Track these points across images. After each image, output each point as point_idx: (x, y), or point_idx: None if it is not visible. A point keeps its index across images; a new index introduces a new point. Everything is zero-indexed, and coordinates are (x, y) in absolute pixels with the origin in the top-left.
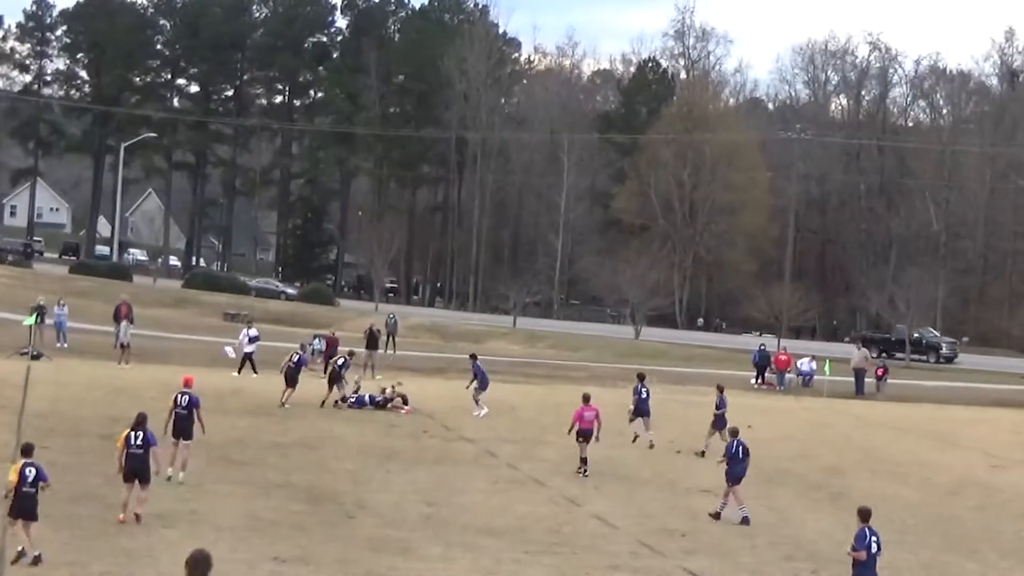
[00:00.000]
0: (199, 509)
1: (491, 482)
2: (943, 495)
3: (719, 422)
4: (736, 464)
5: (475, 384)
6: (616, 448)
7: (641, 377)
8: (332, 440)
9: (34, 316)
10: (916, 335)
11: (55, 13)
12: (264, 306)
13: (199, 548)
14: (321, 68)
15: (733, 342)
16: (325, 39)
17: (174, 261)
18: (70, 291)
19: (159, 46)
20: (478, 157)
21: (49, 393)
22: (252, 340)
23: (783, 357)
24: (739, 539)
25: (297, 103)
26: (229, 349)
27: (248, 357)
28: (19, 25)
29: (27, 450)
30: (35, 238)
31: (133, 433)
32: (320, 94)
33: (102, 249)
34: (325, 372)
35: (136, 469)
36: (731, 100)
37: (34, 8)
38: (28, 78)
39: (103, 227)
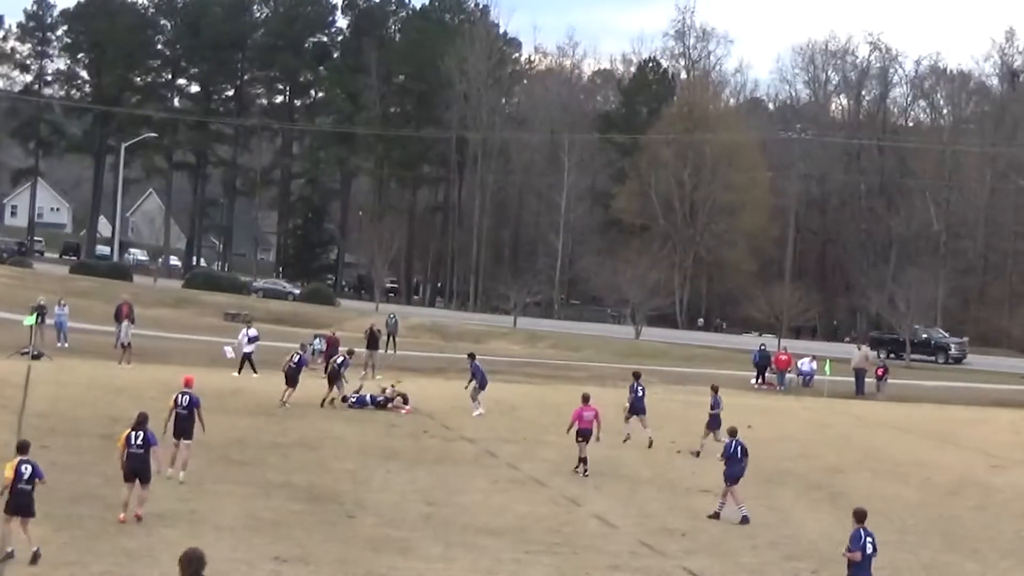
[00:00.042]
0: (199, 509)
1: (491, 482)
2: (943, 495)
3: (713, 422)
4: (734, 464)
5: (474, 384)
6: (616, 448)
7: (636, 375)
8: (332, 440)
9: (35, 316)
10: (925, 336)
11: (56, 13)
12: (265, 306)
13: (192, 547)
14: (322, 68)
15: (733, 342)
16: (326, 39)
17: (175, 261)
18: (70, 291)
19: (160, 46)
20: (478, 157)
21: (49, 393)
22: (251, 340)
23: (783, 357)
24: (739, 539)
25: (298, 103)
26: (228, 349)
27: (247, 357)
28: (20, 25)
29: (23, 447)
30: (36, 238)
31: (134, 433)
32: (321, 94)
33: (103, 249)
34: (326, 372)
35: (137, 469)
36: (731, 100)
37: (35, 8)
38: (29, 78)
39: (104, 227)
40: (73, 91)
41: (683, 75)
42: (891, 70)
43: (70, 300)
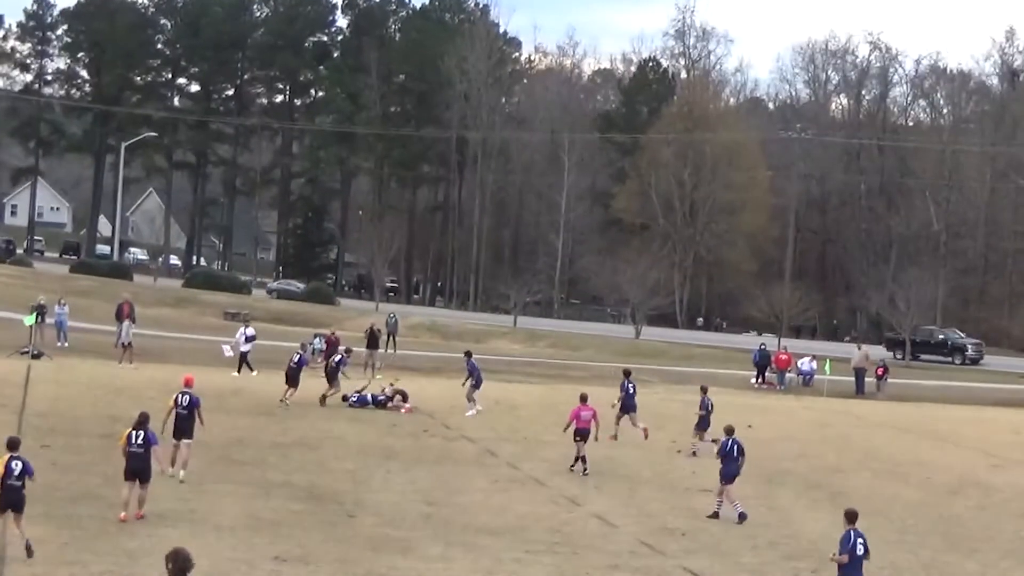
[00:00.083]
0: (200, 508)
1: (491, 482)
2: (943, 495)
3: (702, 423)
4: (730, 462)
5: (470, 382)
6: (616, 448)
7: (627, 373)
8: (332, 440)
9: (35, 315)
10: (941, 336)
11: (56, 12)
12: (265, 305)
13: (178, 546)
14: (322, 67)
15: (733, 342)
16: (326, 38)
17: (175, 260)
18: (71, 290)
19: (160, 45)
20: (478, 157)
21: (49, 392)
22: (249, 339)
23: (783, 357)
24: (739, 539)
25: (298, 102)
26: (227, 348)
27: (243, 356)
28: (20, 24)
29: (13, 444)
30: (36, 237)
31: (134, 432)
32: (321, 93)
33: (103, 248)
34: (325, 371)
35: (137, 468)
36: (731, 100)
37: (35, 7)
38: (29, 77)
39: (104, 226)
40: (73, 90)
41: (683, 75)
42: (891, 70)
43: (70, 299)
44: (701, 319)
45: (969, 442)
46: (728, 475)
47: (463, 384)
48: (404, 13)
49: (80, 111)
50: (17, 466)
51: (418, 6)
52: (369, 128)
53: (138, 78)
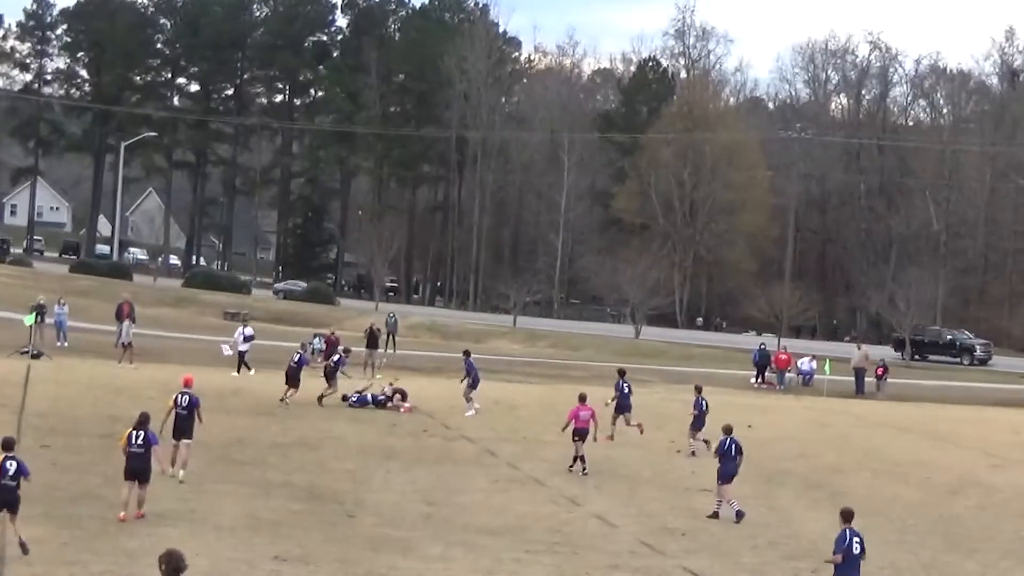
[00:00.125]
0: (200, 508)
1: (491, 482)
2: (943, 495)
3: (697, 423)
4: (728, 462)
5: (467, 381)
6: (616, 448)
7: (622, 372)
8: (332, 440)
9: (34, 315)
10: (950, 337)
11: (55, 12)
12: (265, 305)
13: (172, 548)
14: (321, 67)
15: (733, 341)
16: (325, 38)
17: (174, 260)
18: (70, 290)
19: (159, 45)
20: (478, 156)
21: (49, 392)
22: (248, 339)
23: (783, 356)
24: (739, 539)
25: (297, 102)
26: (226, 347)
27: (241, 356)
28: (19, 24)
29: (7, 444)
30: (35, 237)
31: (135, 432)
32: (320, 93)
33: (102, 248)
34: (325, 372)
35: (137, 468)
36: (731, 99)
37: (34, 7)
38: (28, 77)
39: (103, 226)
40: (73, 90)
41: (683, 74)
42: (891, 69)
43: (70, 299)
44: (700, 319)
45: (969, 442)
46: (726, 474)
47: (460, 382)
48: (404, 13)
49: (80, 111)
50: (12, 466)
51: (418, 6)
52: (369, 128)
53: (138, 78)
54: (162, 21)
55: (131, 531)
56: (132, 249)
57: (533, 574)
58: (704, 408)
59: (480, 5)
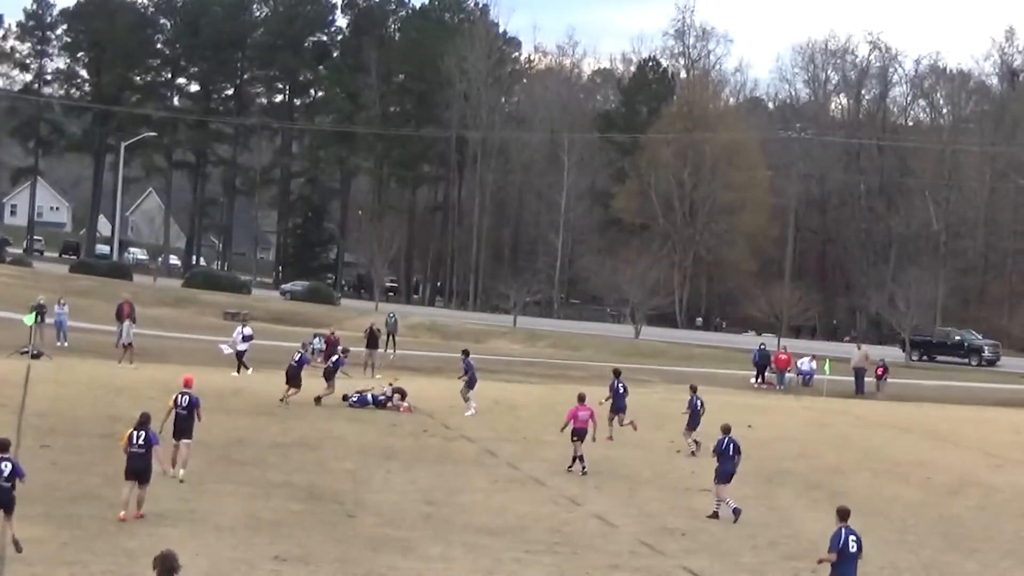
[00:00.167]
0: (200, 508)
1: (491, 482)
2: (943, 495)
3: (692, 422)
4: (726, 461)
5: (464, 381)
6: (616, 448)
7: (617, 373)
8: (332, 440)
9: (34, 315)
10: (958, 338)
11: (55, 12)
12: (265, 305)
13: (167, 548)
14: (321, 67)
15: (733, 341)
16: (325, 38)
17: (174, 260)
18: (70, 290)
19: (159, 45)
20: (478, 156)
21: (49, 392)
22: (246, 339)
23: (783, 356)
24: (739, 539)
25: (297, 102)
26: (225, 347)
27: (240, 355)
28: (19, 24)
29: (3, 445)
30: (35, 237)
31: (136, 433)
32: (320, 93)
33: (102, 248)
34: (324, 372)
35: (138, 468)
36: (731, 99)
37: (34, 7)
38: (28, 77)
39: (103, 226)
40: (73, 90)
41: (683, 74)
42: (891, 69)
43: (70, 299)
44: (700, 319)
45: (969, 442)
46: (725, 474)
47: (460, 378)
48: (404, 13)
49: (80, 111)
50: (7, 467)
51: (418, 6)
52: (369, 128)
53: (138, 78)
54: (162, 21)
55: (131, 531)
56: (132, 249)
57: (533, 574)
58: (699, 407)
59: (480, 5)
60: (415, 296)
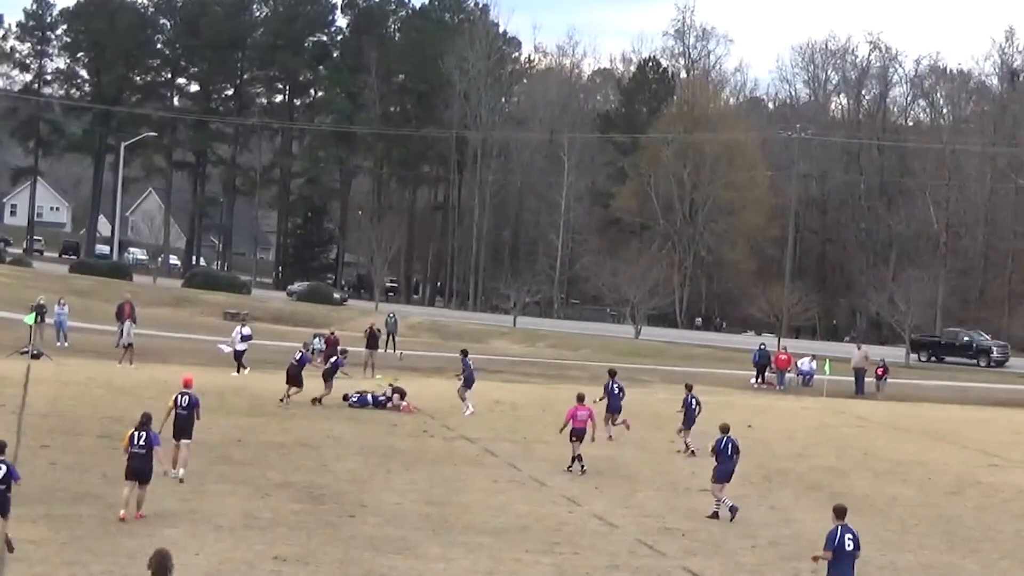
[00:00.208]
0: (200, 508)
1: (491, 482)
2: (943, 495)
3: (687, 420)
4: (725, 461)
5: (461, 380)
6: (616, 448)
7: (612, 373)
8: (332, 440)
9: (34, 315)
10: (967, 338)
11: (55, 12)
12: (264, 305)
13: (160, 548)
14: (321, 67)
15: (732, 341)
16: (325, 38)
17: (174, 260)
18: (70, 290)
19: (159, 45)
20: (478, 156)
21: (49, 392)
22: (245, 339)
23: (783, 356)
24: (739, 539)
25: (297, 102)
26: (223, 347)
27: (238, 355)
28: (19, 24)
29: None
30: (35, 237)
31: (137, 433)
32: (320, 93)
33: (102, 248)
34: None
35: (138, 469)
36: (731, 99)
37: (34, 7)
38: (28, 77)
39: (103, 226)
40: (73, 90)
41: (683, 74)
42: (891, 69)
43: (70, 299)
44: (699, 319)
45: (969, 442)
46: (723, 473)
47: (456, 377)
48: (404, 13)
49: (80, 111)
50: (1, 469)
51: (418, 6)
52: (369, 128)
53: (138, 78)
54: (162, 21)
55: (131, 531)
56: (132, 249)
57: (533, 574)
58: (694, 406)
59: (480, 5)
60: (415, 296)
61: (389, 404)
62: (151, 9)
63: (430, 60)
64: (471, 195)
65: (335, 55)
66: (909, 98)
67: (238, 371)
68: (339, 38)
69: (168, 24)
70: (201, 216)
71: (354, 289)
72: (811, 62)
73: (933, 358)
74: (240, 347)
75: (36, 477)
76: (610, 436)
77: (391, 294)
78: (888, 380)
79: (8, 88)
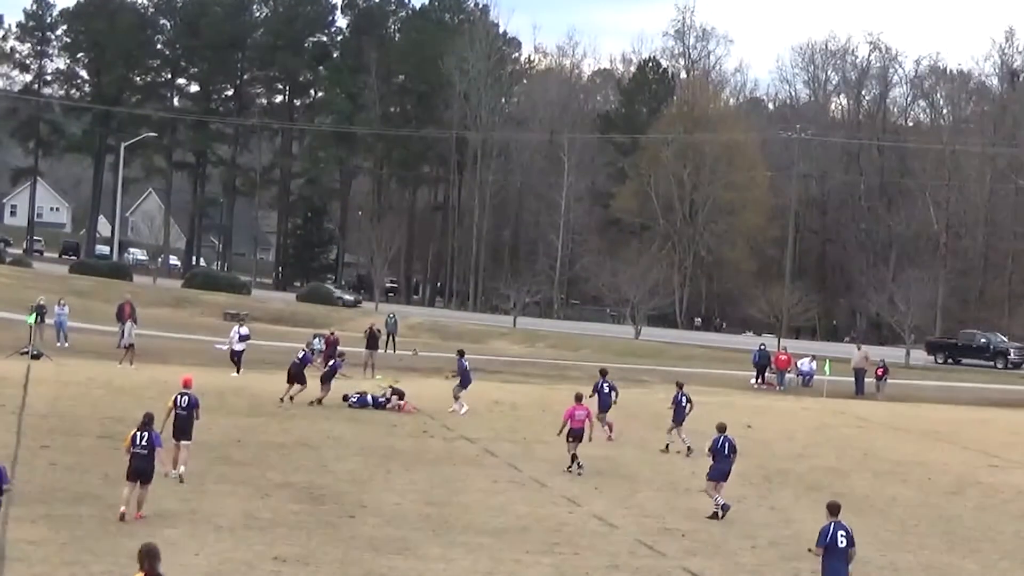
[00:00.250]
0: (200, 509)
1: (491, 482)
2: (943, 495)
3: (677, 417)
4: (721, 460)
5: (457, 381)
6: (616, 448)
7: (603, 372)
8: (332, 440)
9: (34, 315)
10: (984, 340)
11: (55, 12)
12: (264, 306)
13: (148, 541)
14: (321, 68)
15: (732, 342)
16: (325, 39)
17: (174, 261)
18: (70, 291)
19: (159, 46)
20: (478, 157)
21: (49, 393)
22: (243, 339)
23: (783, 357)
24: (739, 539)
25: (297, 103)
26: (222, 347)
27: (236, 355)
28: (19, 24)
29: None
30: (35, 237)
31: (139, 433)
32: (320, 94)
33: (102, 249)
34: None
35: (140, 469)
36: (731, 100)
37: (34, 7)
38: (28, 78)
39: (103, 227)
40: (73, 91)
41: (683, 75)
42: (891, 70)
43: (70, 300)
44: (700, 319)
45: (969, 442)
46: (720, 473)
47: (452, 376)
48: (404, 13)
49: (80, 111)
50: None
51: (418, 6)
52: (369, 128)
53: (138, 78)
54: (162, 21)
55: (131, 531)
56: (132, 249)
57: (533, 574)
58: (684, 403)
59: (480, 5)
60: (415, 296)
61: (388, 405)
62: (151, 9)
63: (430, 60)
64: (471, 195)
65: (335, 55)
66: (909, 98)
67: (238, 371)
68: (339, 38)
69: (168, 24)
70: (201, 216)
71: (354, 289)
72: (811, 62)
73: (950, 360)
74: (238, 347)
75: (36, 477)
76: (610, 436)
77: (391, 294)
78: (888, 380)
79: (8, 88)
